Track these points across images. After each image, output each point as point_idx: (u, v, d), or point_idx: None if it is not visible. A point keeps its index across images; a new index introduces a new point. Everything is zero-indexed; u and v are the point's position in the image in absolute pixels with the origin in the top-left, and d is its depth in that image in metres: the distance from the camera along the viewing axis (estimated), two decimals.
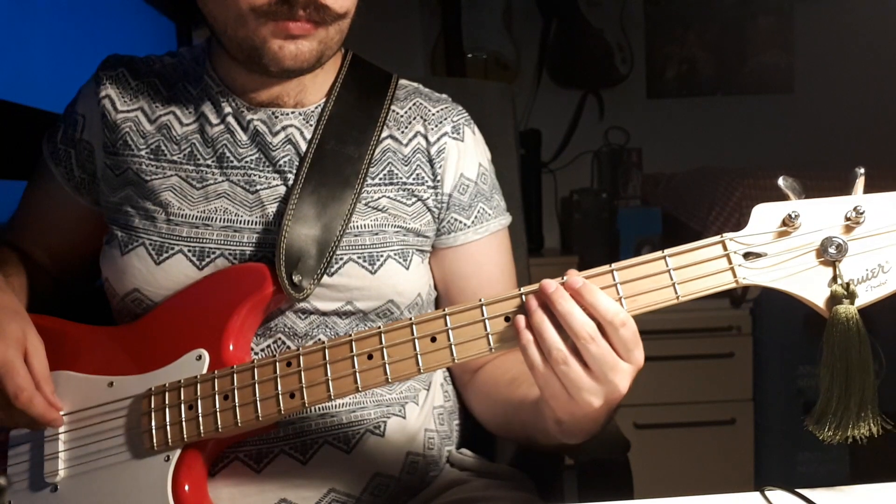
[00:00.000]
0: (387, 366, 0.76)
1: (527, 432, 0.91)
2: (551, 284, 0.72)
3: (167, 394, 0.84)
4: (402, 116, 1.01)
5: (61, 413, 0.88)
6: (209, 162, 0.95)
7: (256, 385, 0.80)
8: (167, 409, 0.83)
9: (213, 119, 0.96)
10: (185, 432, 0.82)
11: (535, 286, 0.74)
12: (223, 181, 0.94)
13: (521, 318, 0.73)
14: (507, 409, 0.96)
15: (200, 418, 0.82)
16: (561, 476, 1.17)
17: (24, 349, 0.85)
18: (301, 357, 0.79)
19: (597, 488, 1.03)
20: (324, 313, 0.93)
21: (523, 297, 0.73)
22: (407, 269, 0.95)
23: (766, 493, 0.74)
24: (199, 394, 0.82)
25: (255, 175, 0.94)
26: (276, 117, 0.96)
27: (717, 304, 2.37)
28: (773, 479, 2.33)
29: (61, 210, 1.04)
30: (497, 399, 0.98)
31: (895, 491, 0.75)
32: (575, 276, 0.72)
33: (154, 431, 0.83)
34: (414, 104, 1.02)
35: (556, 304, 0.71)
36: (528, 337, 0.72)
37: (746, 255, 0.70)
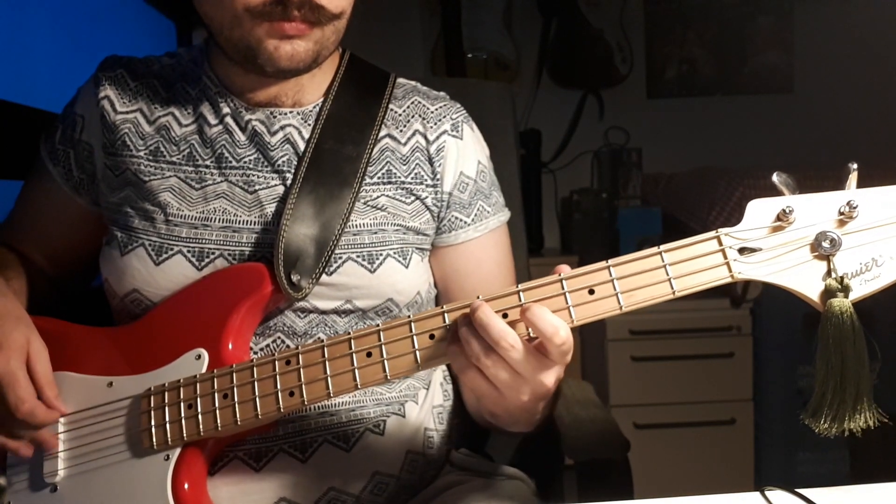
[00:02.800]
0: (385, 363, 0.77)
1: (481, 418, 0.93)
2: (475, 302, 0.73)
3: (166, 393, 0.84)
4: (400, 115, 1.01)
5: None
6: (208, 162, 0.95)
7: (255, 383, 0.81)
8: (167, 408, 0.83)
9: (212, 119, 0.96)
10: (184, 431, 0.82)
11: (531, 283, 0.74)
12: (222, 181, 0.94)
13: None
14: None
15: (200, 417, 0.82)
16: (561, 476, 1.17)
17: (26, 357, 0.85)
18: (300, 355, 0.80)
19: (597, 488, 1.04)
20: (323, 312, 0.93)
21: (521, 294, 0.74)
22: (406, 267, 0.95)
23: (766, 493, 0.74)
24: (198, 392, 0.83)
25: (253, 175, 0.94)
26: (275, 117, 0.96)
27: (717, 303, 2.38)
28: (773, 479, 2.33)
29: (59, 210, 1.04)
30: None
31: (895, 491, 0.75)
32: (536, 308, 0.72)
33: (154, 430, 0.83)
34: (412, 103, 1.02)
35: (473, 318, 0.71)
36: (452, 349, 0.74)
37: (741, 250, 0.71)
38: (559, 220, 3.03)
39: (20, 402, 0.83)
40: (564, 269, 0.74)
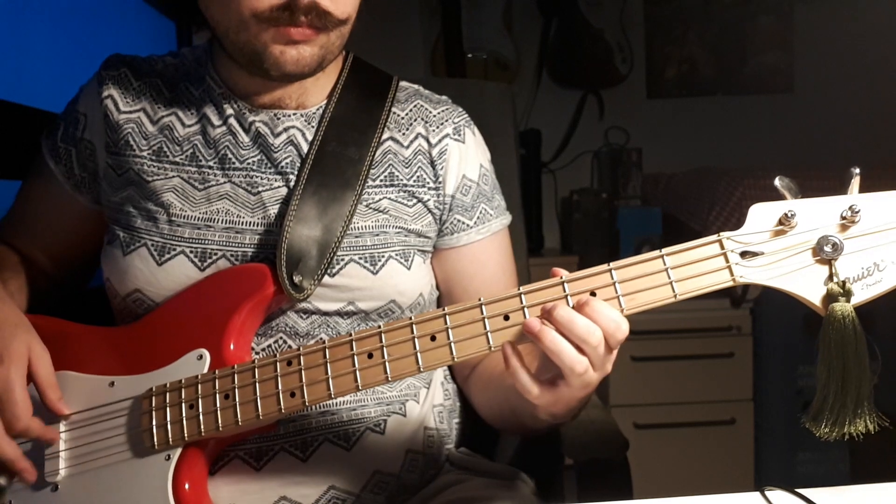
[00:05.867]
0: (387, 364, 0.77)
1: (517, 418, 0.92)
2: (547, 304, 0.72)
3: (168, 393, 0.84)
4: (402, 118, 1.01)
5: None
6: (211, 163, 0.95)
7: (257, 384, 0.81)
8: (168, 408, 0.83)
9: (216, 120, 0.97)
10: (185, 431, 0.82)
11: (532, 285, 0.74)
12: (225, 182, 0.94)
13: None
14: (499, 397, 0.97)
15: (201, 417, 0.82)
16: (561, 476, 1.17)
17: (26, 366, 0.85)
18: (301, 356, 0.80)
19: (596, 488, 1.04)
20: (325, 313, 0.93)
21: (522, 297, 0.74)
22: (408, 269, 0.96)
23: (766, 493, 0.74)
24: (199, 393, 0.83)
25: (256, 176, 0.94)
26: (278, 119, 0.96)
27: (717, 304, 2.38)
28: (773, 479, 2.33)
29: (59, 208, 1.04)
30: (493, 387, 0.99)
31: (895, 491, 0.75)
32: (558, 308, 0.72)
33: (155, 430, 0.83)
34: (415, 106, 1.02)
35: (552, 316, 0.71)
36: (520, 372, 0.74)
37: (743, 254, 0.71)
38: (559, 220, 3.03)
39: (15, 420, 0.83)
40: (562, 273, 0.74)
